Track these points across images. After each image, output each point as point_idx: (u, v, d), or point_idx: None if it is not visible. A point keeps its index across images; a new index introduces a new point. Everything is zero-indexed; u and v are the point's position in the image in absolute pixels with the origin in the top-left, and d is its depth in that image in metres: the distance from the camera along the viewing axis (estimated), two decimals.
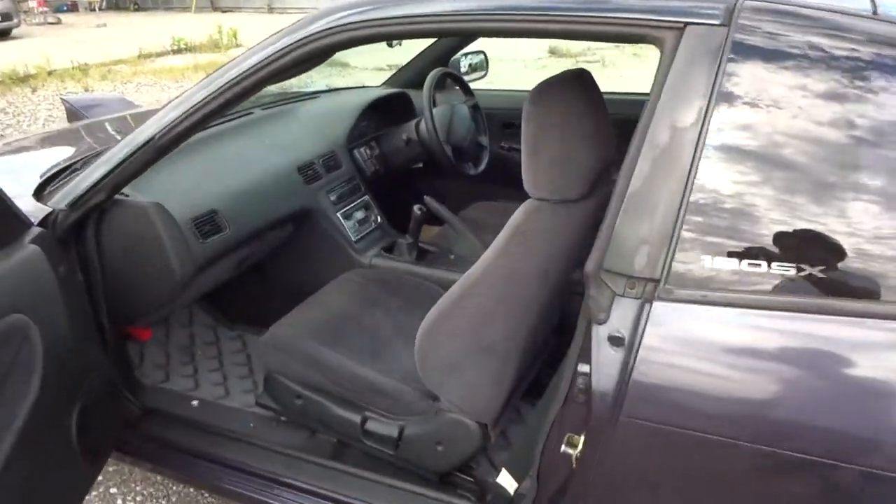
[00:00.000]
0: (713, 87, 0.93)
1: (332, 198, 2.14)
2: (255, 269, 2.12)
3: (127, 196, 1.55)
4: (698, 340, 0.96)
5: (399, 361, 1.58)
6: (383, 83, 2.84)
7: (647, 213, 0.96)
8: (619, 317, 0.99)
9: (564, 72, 1.23)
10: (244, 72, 1.27)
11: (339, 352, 1.58)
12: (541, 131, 1.12)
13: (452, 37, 2.55)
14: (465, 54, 2.79)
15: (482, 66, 2.93)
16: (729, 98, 0.92)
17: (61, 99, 3.03)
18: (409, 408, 1.52)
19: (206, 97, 1.30)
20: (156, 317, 1.77)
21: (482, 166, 2.45)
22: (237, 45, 10.77)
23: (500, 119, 2.67)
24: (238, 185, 1.84)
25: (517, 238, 1.23)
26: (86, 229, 1.49)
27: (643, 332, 0.97)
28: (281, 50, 1.23)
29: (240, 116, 2.12)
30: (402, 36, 1.27)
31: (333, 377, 1.57)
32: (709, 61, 0.93)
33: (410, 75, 2.77)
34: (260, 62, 1.25)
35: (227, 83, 1.29)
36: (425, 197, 2.06)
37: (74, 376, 1.38)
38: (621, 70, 8.03)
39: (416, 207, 2.02)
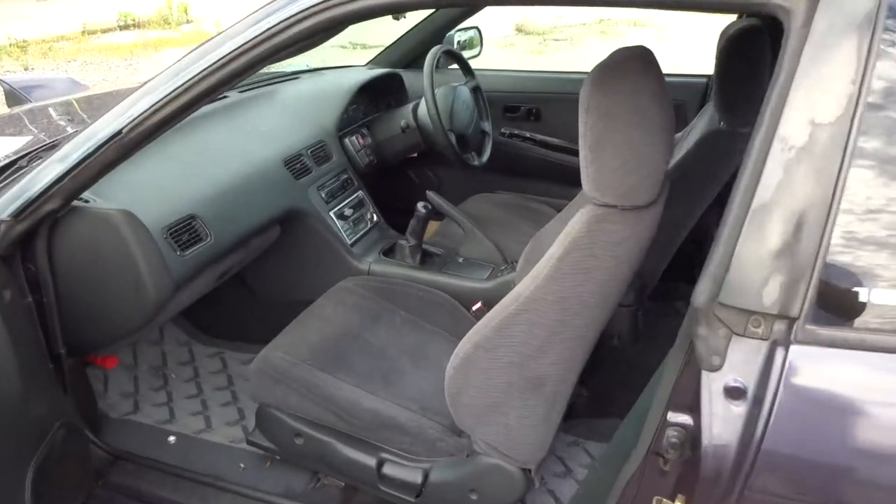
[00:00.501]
0: (864, 69, 0.72)
1: (323, 195, 1.89)
2: (235, 276, 1.86)
3: (87, 202, 1.30)
4: (858, 396, 0.76)
5: (414, 388, 1.38)
6: (369, 62, 2.58)
7: (779, 232, 0.76)
8: (740, 362, 0.80)
9: (624, 49, 1.03)
10: (234, 50, 1.08)
11: (344, 379, 1.36)
12: (606, 122, 0.93)
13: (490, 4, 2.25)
14: (458, 30, 2.55)
15: (474, 44, 2.68)
16: (887, 82, 0.71)
17: None
18: (434, 447, 1.30)
19: (184, 82, 1.10)
20: (124, 344, 1.51)
21: (486, 156, 2.22)
22: (188, 21, 10.38)
23: (502, 103, 2.43)
24: (218, 184, 1.58)
25: (577, 254, 1.02)
26: (35, 244, 1.24)
27: (779, 385, 0.77)
28: (283, 22, 1.02)
29: (214, 101, 1.84)
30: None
31: (340, 411, 1.35)
32: (857, 34, 0.72)
33: (399, 54, 2.54)
34: (255, 38, 1.05)
35: (211, 65, 1.09)
36: (428, 192, 1.83)
37: (27, 430, 1.12)
38: (589, 48, 7.83)
39: (420, 205, 1.79)
